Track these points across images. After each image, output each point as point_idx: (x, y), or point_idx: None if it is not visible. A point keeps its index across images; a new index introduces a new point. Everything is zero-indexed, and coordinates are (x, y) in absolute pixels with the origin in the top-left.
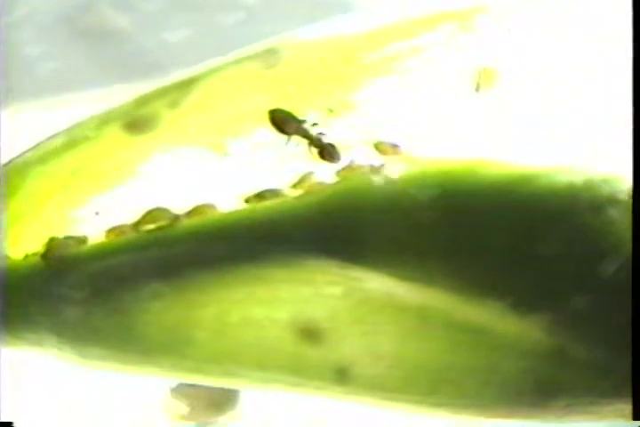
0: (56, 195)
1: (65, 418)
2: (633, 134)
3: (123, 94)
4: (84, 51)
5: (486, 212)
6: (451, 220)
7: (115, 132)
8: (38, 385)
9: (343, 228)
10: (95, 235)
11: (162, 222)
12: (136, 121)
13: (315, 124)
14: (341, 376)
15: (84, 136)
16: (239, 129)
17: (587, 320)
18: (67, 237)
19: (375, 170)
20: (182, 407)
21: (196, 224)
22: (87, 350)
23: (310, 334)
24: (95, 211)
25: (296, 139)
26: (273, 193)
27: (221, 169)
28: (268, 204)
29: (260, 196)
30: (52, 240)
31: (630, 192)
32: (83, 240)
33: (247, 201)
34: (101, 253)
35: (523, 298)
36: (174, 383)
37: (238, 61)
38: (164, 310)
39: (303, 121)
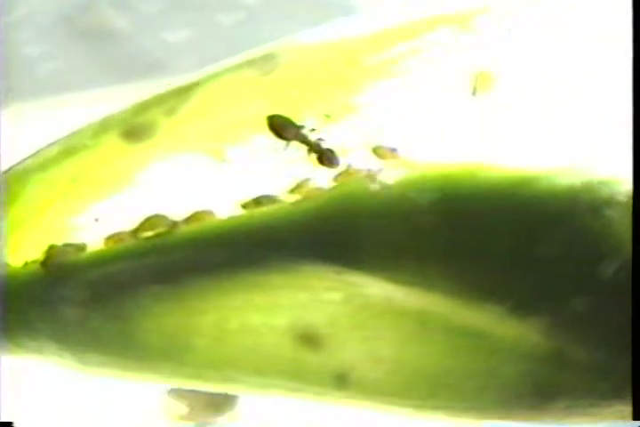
0: (56, 202)
1: (64, 418)
2: (633, 135)
3: (123, 94)
4: (83, 51)
5: (486, 215)
6: (450, 224)
7: (112, 141)
8: (38, 385)
9: (341, 233)
10: (94, 242)
11: (160, 229)
12: (133, 129)
13: (313, 130)
14: (341, 382)
15: (83, 144)
16: (237, 135)
17: (585, 322)
18: (66, 245)
19: (373, 175)
20: (181, 408)
21: (194, 231)
22: (87, 356)
23: (309, 339)
24: (95, 218)
25: (295, 144)
26: (270, 199)
27: (219, 175)
28: (265, 210)
29: (257, 201)
30: (51, 248)
31: (630, 194)
32: (82, 248)
33: (244, 207)
34: (100, 260)
35: (522, 301)
36: None
37: (235, 68)
38: (164, 316)
39: (301, 126)
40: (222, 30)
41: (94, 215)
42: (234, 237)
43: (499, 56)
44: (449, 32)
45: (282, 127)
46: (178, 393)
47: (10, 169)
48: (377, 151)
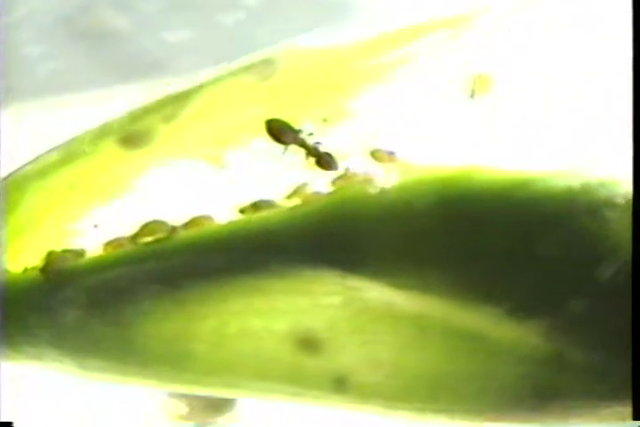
0: (55, 209)
1: (64, 417)
2: (633, 137)
3: (123, 95)
4: (83, 51)
5: (484, 217)
6: (448, 226)
7: (110, 147)
8: (38, 385)
9: (340, 237)
10: (93, 248)
11: (159, 235)
12: (131, 136)
13: (311, 134)
14: (340, 386)
15: (81, 151)
16: (235, 140)
17: (584, 324)
18: (65, 251)
19: (371, 178)
20: (181, 408)
21: (192, 236)
22: (87, 362)
23: (309, 344)
24: (94, 224)
25: (293, 148)
26: (268, 203)
27: (218, 180)
28: (264, 214)
29: (256, 206)
30: (50, 254)
31: (627, 195)
32: (81, 253)
33: (242, 211)
34: (99, 266)
35: (520, 303)
36: None
37: (233, 74)
38: (163, 322)
39: (299, 131)
40: (222, 30)
41: (93, 221)
42: (233, 242)
43: (496, 58)
44: (446, 35)
45: (280, 131)
46: (177, 393)
47: (9, 176)
48: (375, 155)
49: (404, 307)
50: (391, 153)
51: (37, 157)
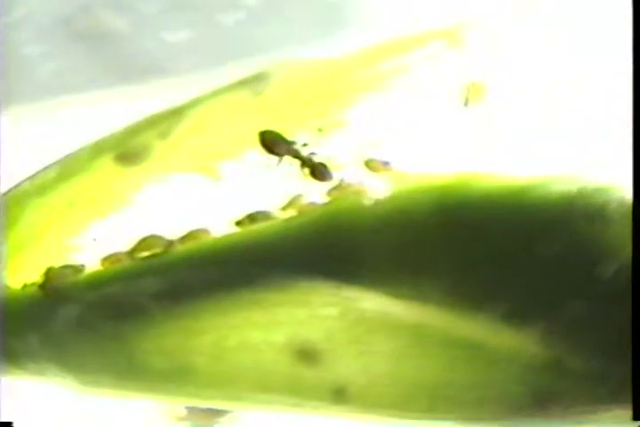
0: (54, 226)
1: (64, 417)
2: (633, 139)
3: (123, 95)
4: (83, 51)
5: (480, 225)
6: (444, 235)
7: (107, 164)
8: (38, 385)
9: (336, 248)
10: (91, 263)
11: (156, 249)
12: (127, 153)
13: (305, 145)
14: (339, 396)
15: (79, 168)
16: (230, 154)
17: (581, 329)
18: (64, 267)
19: (366, 188)
20: (180, 409)
21: (190, 250)
22: (87, 377)
23: (307, 355)
24: (92, 237)
25: (288, 159)
26: (264, 215)
27: (213, 194)
28: (260, 227)
29: (252, 218)
30: (49, 270)
31: (624, 200)
32: (79, 269)
33: (238, 224)
34: (97, 281)
35: (518, 310)
36: None
37: (227, 89)
38: (163, 336)
39: (293, 142)
40: (222, 30)
41: (92, 236)
42: (230, 255)
43: (490, 67)
44: (440, 45)
45: (273, 143)
46: None
47: (8, 192)
48: (369, 165)
49: (401, 316)
50: (386, 163)
51: (35, 174)
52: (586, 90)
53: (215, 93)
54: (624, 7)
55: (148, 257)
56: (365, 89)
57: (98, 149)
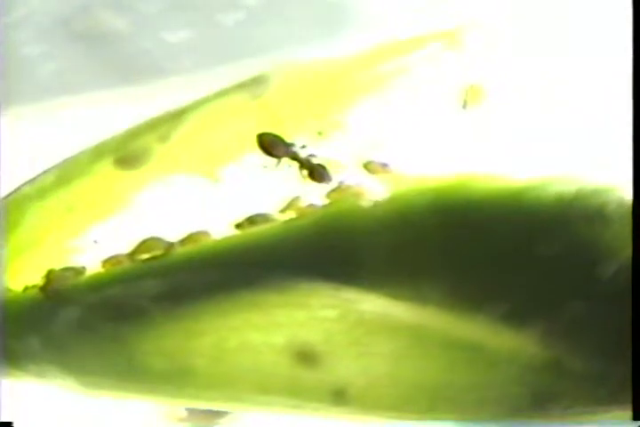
0: (54, 229)
1: (64, 418)
2: (632, 139)
3: (123, 95)
4: (83, 52)
5: (479, 226)
6: (443, 236)
7: (107, 168)
8: (38, 386)
9: (335, 250)
10: (92, 265)
11: (157, 251)
12: (127, 157)
13: (303, 147)
14: (339, 398)
15: (78, 172)
16: (230, 156)
17: (581, 330)
18: (64, 269)
19: (365, 190)
20: (180, 410)
21: (190, 252)
22: (88, 379)
23: (307, 356)
24: (93, 239)
25: (287, 161)
26: (264, 217)
27: (213, 196)
28: (260, 229)
29: (251, 221)
30: (50, 273)
31: (622, 201)
32: (80, 271)
33: (238, 226)
34: (98, 283)
35: (517, 311)
36: None
37: (226, 93)
38: (163, 338)
39: (291, 144)
40: (222, 30)
41: (92, 238)
42: (230, 257)
43: (488, 68)
44: (439, 47)
45: (271, 145)
46: None
47: (9, 196)
48: (368, 167)
49: (400, 318)
50: (384, 165)
51: (35, 178)
52: (584, 91)
53: (214, 97)
54: (624, 8)
55: (148, 259)
56: (364, 91)
57: (97, 153)
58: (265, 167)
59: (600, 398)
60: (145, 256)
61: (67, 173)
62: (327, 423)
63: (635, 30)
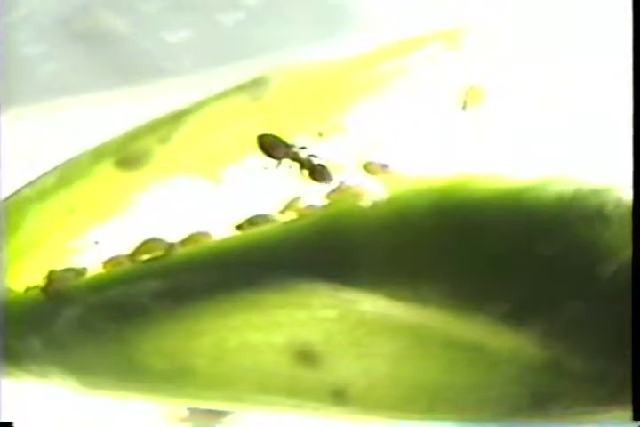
0: (55, 230)
1: (64, 418)
2: (632, 139)
3: (123, 96)
4: (83, 52)
5: (479, 226)
6: (443, 237)
7: (107, 170)
8: (39, 386)
9: (337, 250)
10: (93, 266)
11: (157, 252)
12: (128, 158)
13: (303, 148)
14: (339, 398)
15: (79, 173)
16: (230, 157)
17: (581, 330)
18: (65, 270)
19: (365, 191)
20: (182, 410)
21: (190, 253)
22: (89, 379)
23: (307, 356)
24: (94, 240)
25: (287, 162)
26: (264, 218)
27: (214, 197)
28: (260, 230)
29: (252, 222)
30: (51, 273)
31: (621, 201)
32: (81, 272)
33: (239, 228)
34: (99, 284)
35: (516, 311)
36: None
37: (226, 94)
38: (164, 338)
39: (292, 145)
40: (222, 30)
41: (93, 239)
42: (230, 257)
43: (488, 69)
44: (439, 47)
45: (271, 146)
46: None
47: (9, 197)
48: (368, 167)
49: (400, 318)
50: (384, 165)
51: (36, 180)
52: (583, 92)
53: (214, 98)
54: (624, 8)
55: (149, 260)
56: (364, 91)
57: (98, 155)
58: (265, 168)
59: (600, 398)
60: (145, 257)
61: (67, 174)
62: (327, 423)
63: (635, 30)
